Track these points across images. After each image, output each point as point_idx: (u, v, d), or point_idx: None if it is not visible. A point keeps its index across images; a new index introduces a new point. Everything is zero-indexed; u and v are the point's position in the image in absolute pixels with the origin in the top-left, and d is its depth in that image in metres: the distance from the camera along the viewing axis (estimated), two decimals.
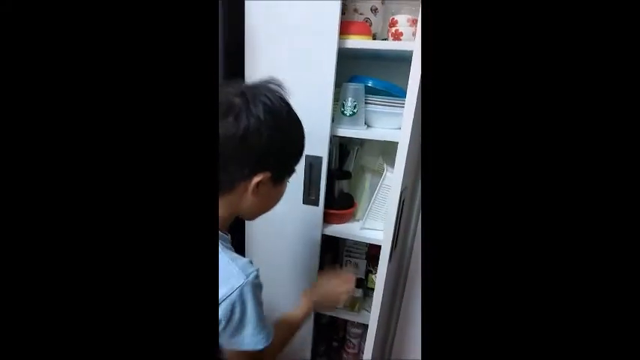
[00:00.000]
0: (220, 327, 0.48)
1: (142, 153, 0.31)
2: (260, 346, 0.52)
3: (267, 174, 0.49)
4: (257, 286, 0.51)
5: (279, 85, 0.51)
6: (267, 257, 1.01)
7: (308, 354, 1.08)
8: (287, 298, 1.03)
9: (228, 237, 0.57)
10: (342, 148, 1.04)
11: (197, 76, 0.32)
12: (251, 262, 0.52)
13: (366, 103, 0.86)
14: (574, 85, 0.29)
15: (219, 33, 0.86)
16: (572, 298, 0.30)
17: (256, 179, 0.49)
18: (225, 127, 0.45)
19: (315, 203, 0.91)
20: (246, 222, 1.00)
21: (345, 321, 1.18)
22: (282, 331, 0.65)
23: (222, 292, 0.47)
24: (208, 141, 0.33)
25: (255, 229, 0.99)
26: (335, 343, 1.19)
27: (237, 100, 0.46)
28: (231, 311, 0.48)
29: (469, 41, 0.31)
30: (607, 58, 0.28)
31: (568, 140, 0.29)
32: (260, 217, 0.61)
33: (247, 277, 0.49)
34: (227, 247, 0.53)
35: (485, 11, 0.30)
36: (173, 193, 0.31)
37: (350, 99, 0.84)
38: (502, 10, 0.30)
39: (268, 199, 0.55)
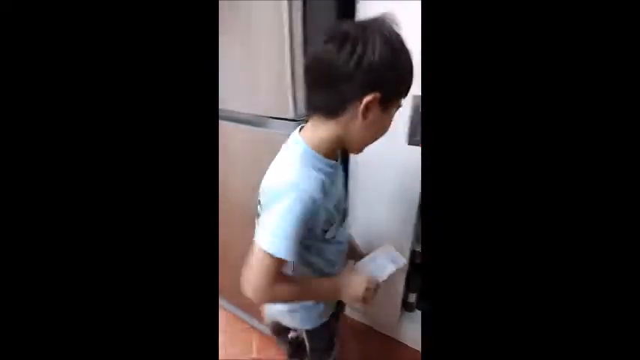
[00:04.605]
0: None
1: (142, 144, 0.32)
2: (264, 248, 0.52)
3: (378, 94, 0.51)
4: (308, 202, 0.53)
5: (393, 19, 0.53)
6: (368, 197, 1.07)
7: (401, 287, 1.14)
8: (388, 229, 1.08)
9: (335, 162, 0.61)
10: None
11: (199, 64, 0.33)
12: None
13: None
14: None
15: None
16: (571, 298, 0.30)
17: (367, 99, 0.51)
18: (343, 53, 0.49)
19: (420, 144, 0.88)
20: (349, 161, 1.05)
21: None
22: (295, 283, 0.62)
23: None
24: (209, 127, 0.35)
25: (359, 169, 1.03)
26: None
27: (354, 30, 0.49)
28: (274, 198, 0.53)
29: None
30: (608, 57, 0.27)
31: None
32: (363, 155, 0.64)
33: (305, 189, 0.52)
34: (321, 168, 0.57)
35: None
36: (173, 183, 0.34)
37: None
38: None
39: (375, 127, 0.57)
